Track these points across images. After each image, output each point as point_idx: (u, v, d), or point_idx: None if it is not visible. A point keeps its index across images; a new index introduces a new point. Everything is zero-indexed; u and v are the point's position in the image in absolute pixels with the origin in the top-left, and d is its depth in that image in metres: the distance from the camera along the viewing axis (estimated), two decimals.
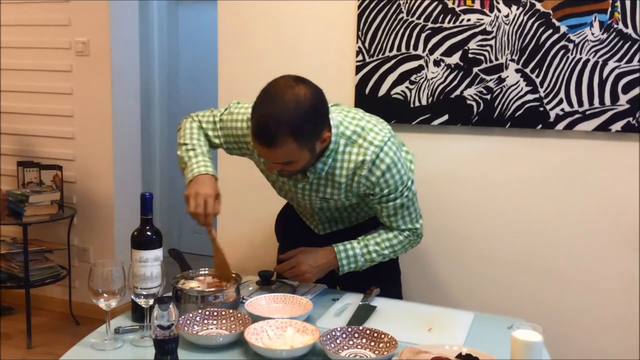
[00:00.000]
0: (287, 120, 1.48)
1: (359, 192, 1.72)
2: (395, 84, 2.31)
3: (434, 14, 2.22)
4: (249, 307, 1.55)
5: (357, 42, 2.34)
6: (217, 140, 1.82)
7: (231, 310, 1.52)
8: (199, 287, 1.60)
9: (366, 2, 2.31)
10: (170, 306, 1.23)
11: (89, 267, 1.41)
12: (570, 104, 2.12)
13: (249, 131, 1.69)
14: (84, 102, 3.45)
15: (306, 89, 1.53)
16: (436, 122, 2.28)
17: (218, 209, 1.66)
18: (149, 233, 1.48)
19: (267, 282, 1.80)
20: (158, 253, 1.47)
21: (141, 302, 1.43)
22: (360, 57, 2.35)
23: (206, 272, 1.70)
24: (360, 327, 1.44)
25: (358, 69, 2.35)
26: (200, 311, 1.50)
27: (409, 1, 2.25)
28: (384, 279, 1.88)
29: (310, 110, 1.52)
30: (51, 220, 3.29)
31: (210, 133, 1.82)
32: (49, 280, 3.34)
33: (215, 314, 1.50)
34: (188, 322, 1.47)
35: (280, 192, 1.89)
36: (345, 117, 1.69)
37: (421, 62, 2.26)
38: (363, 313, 1.62)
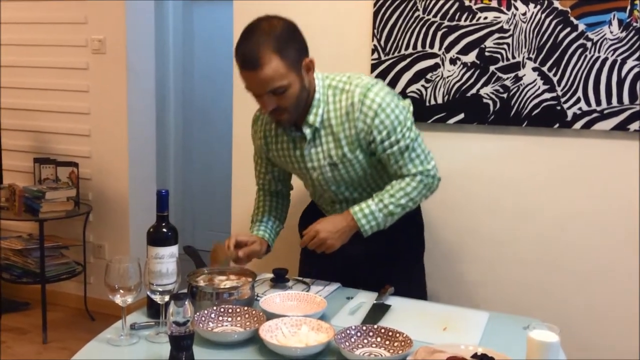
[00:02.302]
0: (267, 40, 1.58)
1: (360, 143, 1.71)
2: (410, 82, 2.30)
3: (451, 11, 2.21)
4: (264, 305, 1.56)
5: (373, 40, 2.34)
6: (264, 164, 1.95)
7: (246, 308, 1.52)
8: (226, 282, 1.62)
9: (382, 0, 2.30)
10: (186, 303, 1.23)
11: (105, 263, 1.42)
12: (588, 103, 2.09)
13: (260, 133, 1.86)
14: (100, 100, 3.47)
15: (279, 18, 1.65)
16: (452, 121, 2.27)
17: (233, 252, 1.76)
18: (164, 230, 1.48)
19: (282, 280, 1.80)
20: (174, 250, 1.47)
21: (157, 298, 1.44)
22: (375, 55, 2.34)
23: (221, 269, 1.70)
24: (375, 326, 1.44)
25: (373, 67, 2.34)
26: (215, 308, 1.50)
27: None
28: (407, 278, 1.87)
29: (287, 29, 1.63)
30: (67, 217, 3.32)
31: (260, 169, 1.97)
32: (64, 276, 3.37)
33: (230, 311, 1.50)
34: (203, 318, 1.47)
35: (302, 179, 1.90)
36: (330, 75, 1.77)
37: (437, 60, 2.25)
38: (377, 312, 1.62)
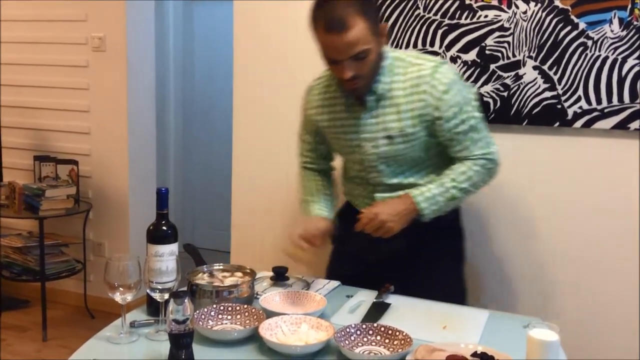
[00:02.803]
0: (351, 1, 1.56)
1: (424, 119, 1.67)
2: None
3: (451, 10, 2.21)
4: (264, 303, 1.55)
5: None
6: (310, 139, 1.92)
7: (245, 306, 1.52)
8: (226, 280, 1.62)
9: (384, 7, 2.29)
10: (186, 301, 1.23)
11: (105, 261, 1.42)
12: (589, 102, 2.09)
13: (314, 102, 1.84)
14: (100, 98, 3.47)
15: None
16: None
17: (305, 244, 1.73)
18: (164, 228, 1.48)
19: (282, 278, 1.79)
20: (173, 248, 1.47)
21: (156, 296, 1.43)
22: None
23: (221, 267, 1.70)
24: (375, 324, 1.44)
25: None
26: (214, 306, 1.50)
27: None
28: (441, 289, 1.77)
29: None
30: (67, 215, 3.32)
31: (304, 147, 1.95)
32: (64, 274, 3.38)
33: (229, 309, 1.50)
34: (203, 316, 1.47)
35: (349, 156, 1.84)
36: (396, 49, 1.77)
37: (438, 58, 2.24)
38: (377, 310, 1.62)
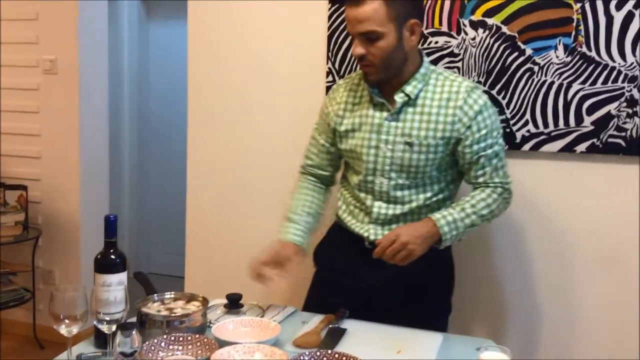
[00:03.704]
0: None
1: (449, 135, 1.70)
2: None
3: None
4: (216, 332, 1.53)
5: (327, 63, 2.35)
6: (322, 139, 1.90)
7: (197, 335, 1.49)
8: (177, 309, 1.57)
9: (336, 24, 2.32)
10: (134, 332, 1.20)
11: (51, 292, 1.38)
12: (536, 125, 2.15)
13: (338, 99, 1.85)
14: (51, 121, 3.40)
15: None
16: None
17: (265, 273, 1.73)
18: (113, 256, 1.45)
19: (235, 305, 1.77)
20: (122, 277, 1.44)
21: (104, 328, 1.39)
22: (330, 78, 2.35)
23: (172, 295, 1.66)
24: (329, 351, 1.42)
25: (328, 89, 2.35)
26: (165, 336, 1.46)
27: None
28: (426, 319, 1.77)
29: None
30: (15, 242, 3.22)
31: (313, 149, 1.94)
32: (12, 304, 3.27)
33: (181, 339, 1.47)
34: (153, 348, 1.43)
35: (362, 159, 1.79)
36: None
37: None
38: (333, 336, 1.60)
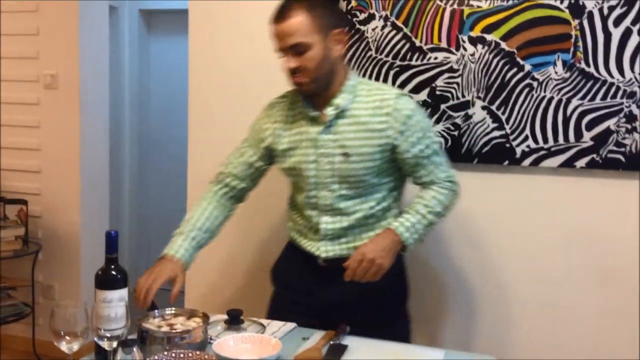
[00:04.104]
0: None
1: (383, 142, 1.72)
2: None
3: (402, 51, 2.26)
4: (217, 348, 1.52)
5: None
6: (249, 151, 1.90)
7: (198, 352, 1.48)
8: (178, 325, 1.56)
9: None
10: (134, 349, 1.20)
11: (55, 305, 1.38)
12: (536, 141, 2.16)
13: (274, 117, 1.87)
14: (52, 136, 3.40)
15: None
16: None
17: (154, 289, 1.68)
18: (113, 272, 1.44)
19: (236, 321, 1.76)
20: (123, 293, 1.44)
21: (104, 344, 1.39)
22: None
23: (173, 311, 1.66)
24: None
25: None
26: (166, 353, 1.46)
27: (377, 39, 2.28)
28: (388, 324, 1.84)
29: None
30: (15, 257, 3.21)
31: (237, 158, 1.92)
32: (11, 318, 3.25)
33: (181, 356, 1.46)
34: None
35: (302, 175, 1.81)
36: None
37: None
38: (334, 353, 1.60)
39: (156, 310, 1.64)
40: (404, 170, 1.82)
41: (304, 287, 1.87)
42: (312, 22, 1.67)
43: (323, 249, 1.84)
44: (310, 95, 1.78)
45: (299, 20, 1.66)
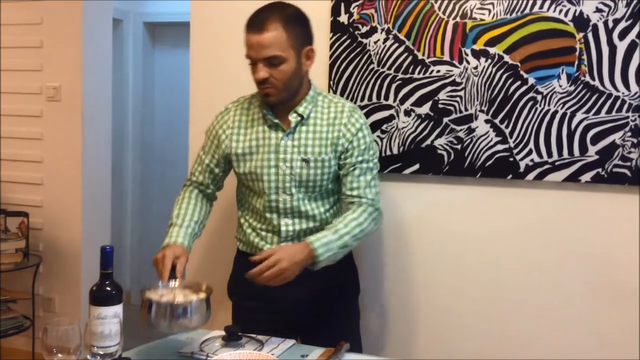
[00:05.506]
0: (277, 12, 1.76)
1: (336, 149, 1.85)
2: None
3: (404, 64, 2.24)
4: None
5: (329, 92, 2.35)
6: (210, 157, 1.97)
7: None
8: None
9: (337, 53, 2.32)
10: None
11: (54, 318, 1.36)
12: (540, 155, 2.13)
13: (229, 123, 1.93)
14: (54, 148, 3.40)
15: (294, 5, 1.84)
16: (407, 171, 2.27)
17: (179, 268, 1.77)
18: (108, 288, 1.43)
19: (234, 337, 1.73)
20: (117, 309, 1.42)
21: None
22: None
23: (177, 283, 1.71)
24: None
25: None
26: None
27: (379, 52, 2.26)
28: (340, 321, 1.98)
29: (298, 13, 1.82)
30: (15, 269, 3.19)
31: (201, 165, 2.00)
32: (12, 332, 3.23)
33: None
34: None
35: (261, 180, 1.88)
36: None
37: (392, 111, 2.27)
38: None
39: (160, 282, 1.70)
40: (340, 179, 1.90)
41: (262, 292, 1.85)
42: (288, 37, 1.75)
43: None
44: (276, 104, 1.85)
45: (276, 35, 1.73)
